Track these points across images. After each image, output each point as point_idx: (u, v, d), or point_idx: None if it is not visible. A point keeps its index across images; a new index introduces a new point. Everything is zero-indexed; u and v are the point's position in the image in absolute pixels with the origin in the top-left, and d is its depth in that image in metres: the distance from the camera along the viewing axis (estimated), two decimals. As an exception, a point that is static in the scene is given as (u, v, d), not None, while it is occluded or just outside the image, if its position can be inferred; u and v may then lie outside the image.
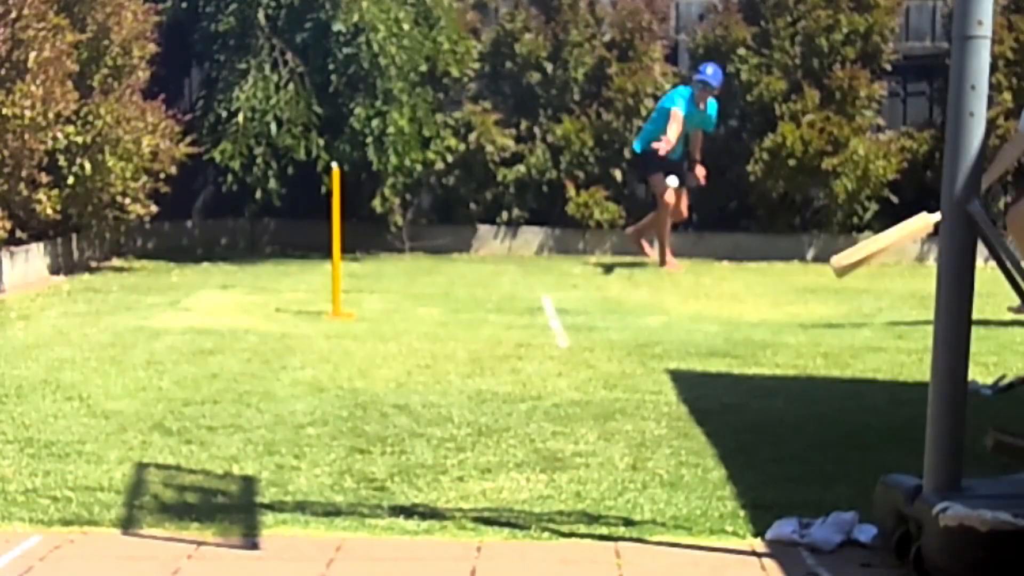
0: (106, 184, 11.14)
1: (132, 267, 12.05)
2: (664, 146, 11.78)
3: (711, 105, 12.31)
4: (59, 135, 10.63)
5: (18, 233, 10.51)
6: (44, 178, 10.60)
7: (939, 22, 13.44)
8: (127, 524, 4.50)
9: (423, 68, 13.04)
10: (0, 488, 4.84)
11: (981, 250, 4.03)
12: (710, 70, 12.28)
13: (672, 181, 12.12)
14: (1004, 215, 9.79)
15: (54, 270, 11.14)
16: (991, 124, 12.36)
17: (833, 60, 13.29)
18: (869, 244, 8.81)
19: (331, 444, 5.53)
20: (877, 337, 8.45)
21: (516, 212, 13.56)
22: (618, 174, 13.40)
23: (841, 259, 8.72)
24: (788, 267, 12.67)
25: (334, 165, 9.59)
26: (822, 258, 13.21)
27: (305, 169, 12.67)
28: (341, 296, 9.08)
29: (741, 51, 13.34)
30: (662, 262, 12.40)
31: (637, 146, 12.47)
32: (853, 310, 9.69)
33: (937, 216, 9.52)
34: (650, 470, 5.20)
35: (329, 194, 12.54)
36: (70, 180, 10.98)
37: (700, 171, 12.51)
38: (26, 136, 10.11)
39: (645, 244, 12.66)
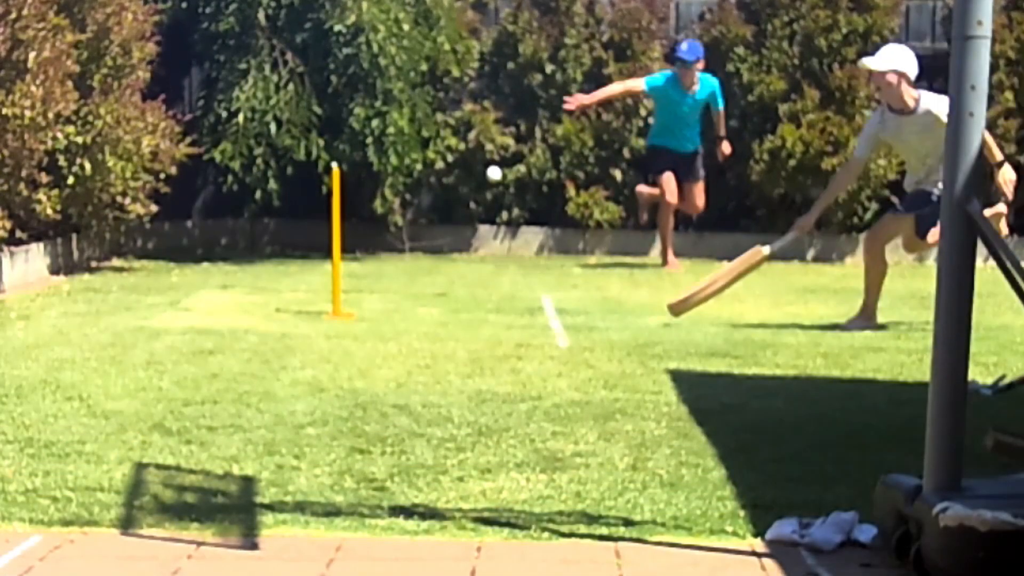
0: (106, 184, 11.14)
1: (132, 267, 12.05)
2: (569, 104, 12.13)
3: (705, 83, 12.12)
4: (59, 135, 10.63)
5: (18, 233, 10.51)
6: (44, 178, 10.60)
7: (939, 22, 13.44)
8: (127, 524, 4.50)
9: (423, 68, 13.05)
10: (0, 488, 4.84)
11: (981, 250, 4.03)
12: (684, 46, 12.16)
13: (668, 179, 12.10)
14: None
15: (54, 270, 11.14)
16: (991, 124, 12.35)
17: (832, 60, 13.29)
18: (705, 285, 8.87)
19: (331, 444, 5.53)
20: (877, 337, 8.45)
21: (516, 212, 13.57)
22: (618, 174, 13.40)
23: (678, 301, 8.78)
24: (788, 267, 12.66)
25: (334, 165, 9.58)
26: (822, 258, 13.24)
27: (305, 169, 12.67)
28: (341, 296, 9.08)
29: (740, 50, 13.34)
30: (664, 262, 12.38)
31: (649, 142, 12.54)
32: (853, 310, 9.66)
33: (768, 249, 9.47)
34: (650, 470, 5.20)
35: (329, 194, 12.57)
36: (70, 180, 10.97)
37: (726, 147, 12.49)
38: (26, 136, 10.11)
39: (645, 210, 12.62)
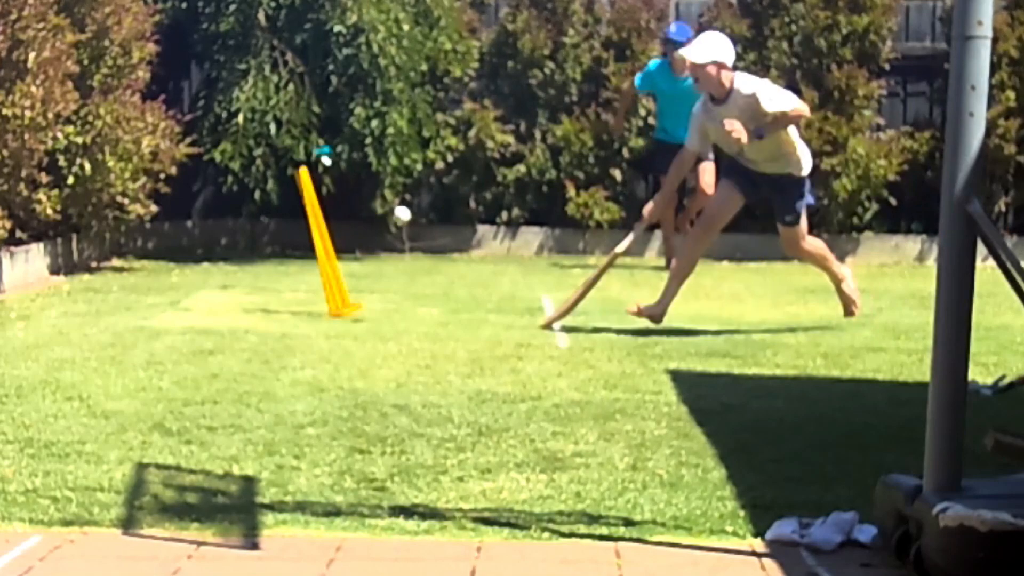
0: (106, 184, 11.14)
1: (132, 267, 12.05)
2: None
3: None
4: (59, 135, 10.63)
5: (18, 233, 10.51)
6: (44, 178, 10.60)
7: (939, 22, 13.44)
8: (127, 524, 4.50)
9: (423, 68, 13.05)
10: (0, 488, 4.84)
11: (981, 250, 4.03)
12: (673, 27, 11.96)
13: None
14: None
15: (54, 270, 11.14)
16: (991, 124, 12.35)
17: (831, 60, 13.29)
18: (570, 298, 8.87)
19: (331, 444, 5.53)
20: (877, 337, 8.45)
21: (516, 212, 13.56)
22: (618, 174, 13.40)
23: (547, 320, 8.81)
24: (788, 267, 12.65)
25: (326, 159, 9.47)
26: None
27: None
28: (337, 294, 9.08)
29: (737, 49, 13.31)
30: (668, 263, 12.25)
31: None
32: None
33: (622, 246, 9.33)
34: (650, 470, 5.20)
35: (329, 195, 12.58)
36: (70, 180, 10.98)
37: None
38: (26, 136, 10.11)
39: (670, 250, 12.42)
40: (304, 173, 9.23)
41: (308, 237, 12.90)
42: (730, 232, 13.14)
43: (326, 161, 11.45)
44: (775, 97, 8.30)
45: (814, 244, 8.85)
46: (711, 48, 8.34)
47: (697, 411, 6.21)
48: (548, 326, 8.71)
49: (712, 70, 8.26)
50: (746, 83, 8.37)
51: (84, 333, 8.14)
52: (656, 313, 8.54)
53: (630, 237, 9.08)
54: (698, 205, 12.24)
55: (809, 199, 8.66)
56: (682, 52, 8.57)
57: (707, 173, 11.93)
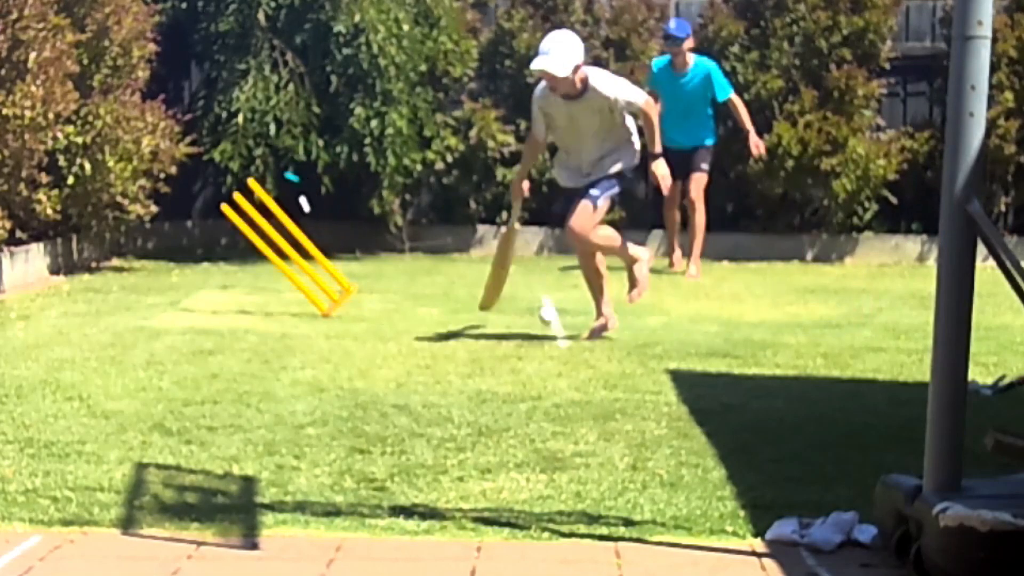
0: (106, 184, 11.14)
1: (132, 267, 12.05)
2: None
3: (699, 65, 11.70)
4: (59, 135, 10.63)
5: (18, 233, 10.51)
6: (44, 178, 10.60)
7: (939, 22, 13.44)
8: (127, 524, 4.50)
9: (423, 68, 13.05)
10: (0, 488, 4.84)
11: (981, 250, 4.03)
12: (672, 23, 11.81)
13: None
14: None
15: (54, 270, 11.14)
16: (991, 124, 12.35)
17: (831, 60, 13.29)
18: (492, 279, 8.84)
19: (331, 444, 5.53)
20: (877, 337, 8.45)
21: (516, 212, 13.55)
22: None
23: (482, 301, 8.83)
24: (788, 267, 12.68)
25: (305, 206, 9.46)
26: (822, 258, 13.24)
27: (305, 170, 12.66)
28: (336, 294, 9.08)
29: (735, 48, 13.33)
30: (671, 262, 12.21)
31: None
32: (853, 310, 9.69)
33: (514, 219, 9.23)
34: (650, 470, 5.20)
35: (328, 194, 12.58)
36: (70, 180, 10.98)
37: (756, 142, 12.05)
38: (26, 136, 10.11)
39: (696, 260, 12.33)
40: (254, 184, 9.29)
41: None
42: (729, 232, 13.26)
43: (305, 206, 11.35)
44: (633, 92, 8.20)
45: (604, 235, 8.41)
46: (570, 56, 7.97)
47: (697, 411, 6.21)
48: (484, 309, 8.77)
49: (571, 76, 7.97)
50: (602, 81, 8.11)
51: (84, 333, 8.14)
52: (606, 325, 8.35)
53: (513, 216, 8.92)
54: (692, 213, 12.11)
55: (616, 188, 8.38)
56: (544, 68, 7.96)
57: (694, 180, 11.82)
